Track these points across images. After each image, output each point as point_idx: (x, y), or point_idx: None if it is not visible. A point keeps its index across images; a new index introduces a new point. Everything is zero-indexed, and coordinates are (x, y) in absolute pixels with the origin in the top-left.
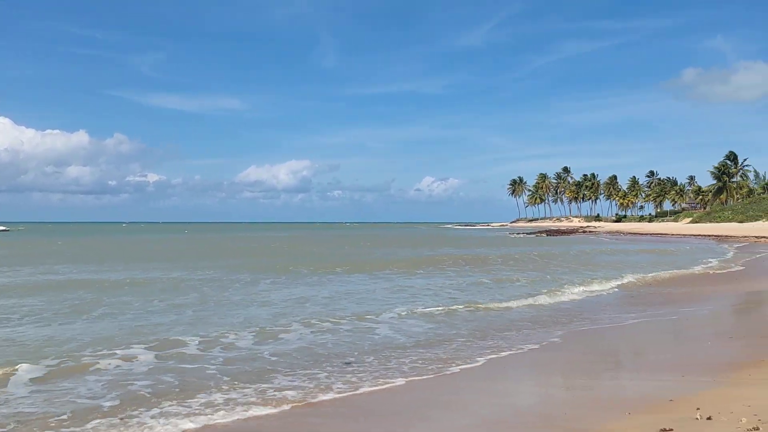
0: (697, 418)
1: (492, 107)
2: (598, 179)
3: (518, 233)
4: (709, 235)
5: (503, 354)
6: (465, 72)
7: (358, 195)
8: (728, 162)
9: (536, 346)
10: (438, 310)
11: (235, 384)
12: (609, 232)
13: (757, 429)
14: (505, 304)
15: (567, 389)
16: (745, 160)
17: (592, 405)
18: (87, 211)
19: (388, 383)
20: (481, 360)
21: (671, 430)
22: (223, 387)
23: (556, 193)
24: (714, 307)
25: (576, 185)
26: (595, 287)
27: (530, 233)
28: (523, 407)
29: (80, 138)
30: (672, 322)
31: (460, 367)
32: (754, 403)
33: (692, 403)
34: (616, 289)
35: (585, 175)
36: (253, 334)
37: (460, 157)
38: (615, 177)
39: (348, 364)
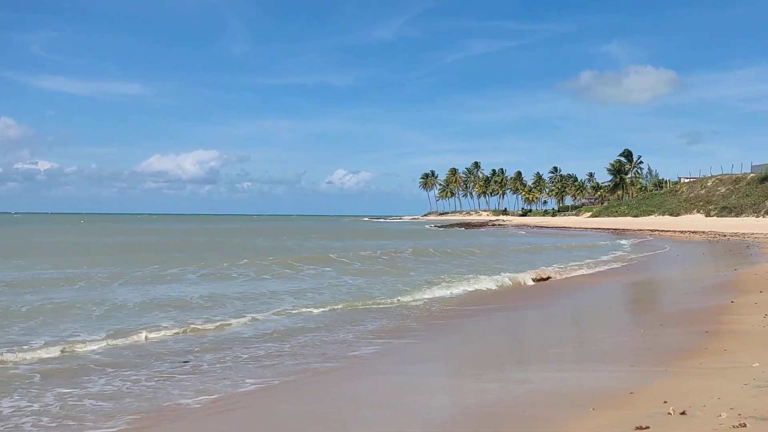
0: (669, 413)
1: (403, 102)
2: (505, 174)
3: (436, 225)
4: (608, 229)
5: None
6: (376, 66)
7: (267, 187)
8: (623, 159)
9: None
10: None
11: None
12: (516, 225)
13: (744, 426)
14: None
15: (504, 383)
16: (639, 158)
17: (547, 401)
18: None
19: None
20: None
21: (647, 428)
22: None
23: (466, 187)
24: (632, 295)
25: (485, 180)
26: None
27: (444, 226)
28: (470, 406)
29: None
30: (593, 309)
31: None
32: (724, 396)
33: (655, 396)
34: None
35: (494, 170)
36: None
37: (372, 151)
38: (520, 173)
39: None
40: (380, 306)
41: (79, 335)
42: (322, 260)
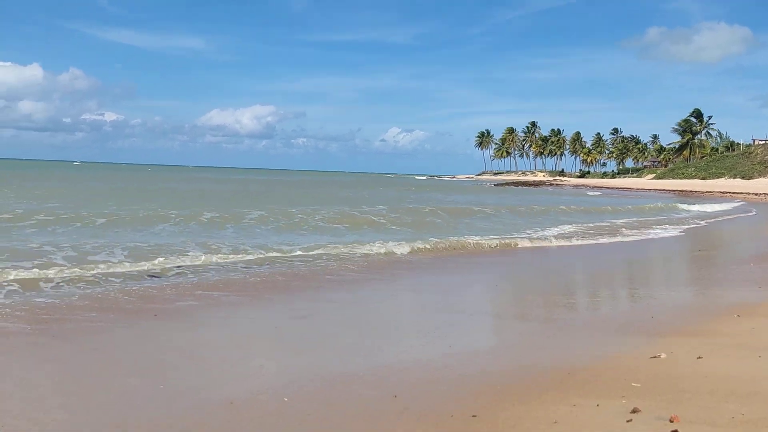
0: None
1: (460, 60)
2: (563, 135)
3: (502, 184)
4: (673, 190)
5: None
6: (435, 23)
7: (322, 144)
8: (692, 119)
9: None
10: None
11: None
12: (575, 186)
13: None
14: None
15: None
16: (710, 118)
17: (692, 309)
18: (41, 149)
19: None
20: None
21: None
22: None
23: (523, 147)
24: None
25: (542, 140)
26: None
27: (501, 184)
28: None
29: (33, 72)
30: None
31: None
32: None
33: None
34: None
35: (552, 130)
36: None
37: (427, 109)
38: (579, 133)
39: None
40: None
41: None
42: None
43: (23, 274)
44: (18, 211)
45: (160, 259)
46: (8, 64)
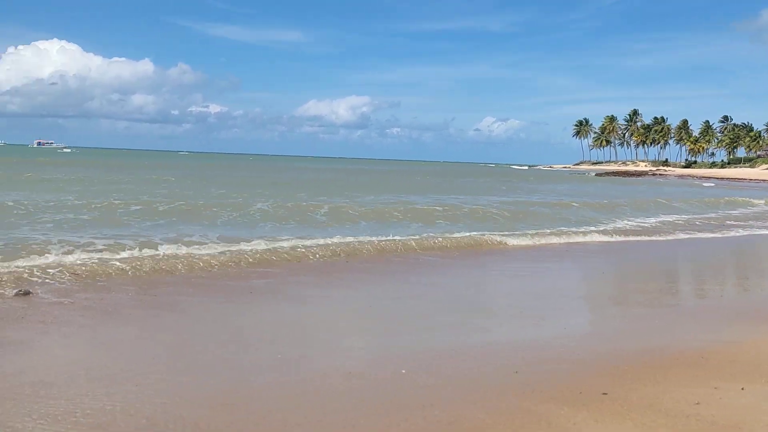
0: None
1: (557, 47)
2: (668, 123)
3: (603, 174)
4: None
5: None
6: (532, 9)
7: (416, 133)
8: None
9: None
10: None
11: None
12: (680, 176)
13: None
14: None
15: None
16: None
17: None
18: (151, 140)
19: None
20: None
21: None
22: None
23: (623, 136)
24: None
25: (644, 129)
26: None
27: (602, 174)
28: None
29: (145, 67)
30: None
31: None
32: None
33: None
34: None
35: (655, 118)
36: None
37: (522, 98)
38: (687, 121)
39: None
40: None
41: None
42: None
43: (137, 254)
44: (144, 198)
45: (257, 241)
46: (122, 59)
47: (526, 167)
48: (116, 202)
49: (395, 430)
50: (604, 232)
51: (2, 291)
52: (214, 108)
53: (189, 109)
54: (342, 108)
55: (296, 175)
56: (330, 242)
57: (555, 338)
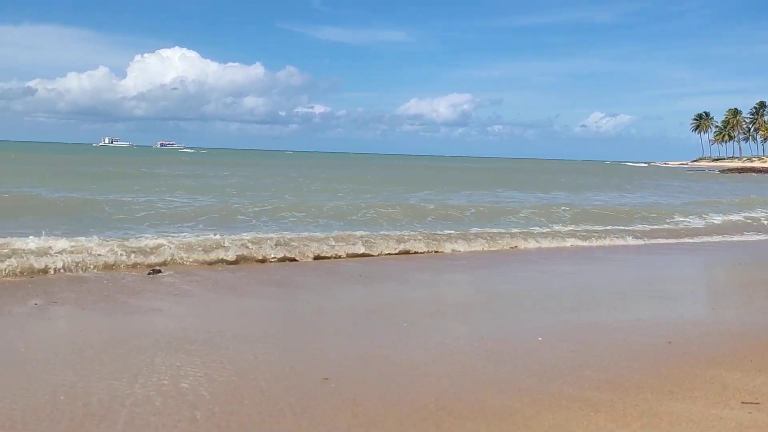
0: None
1: (672, 37)
2: None
3: (726, 171)
4: None
5: None
6: None
7: (519, 130)
8: None
9: None
10: None
11: None
12: None
13: None
14: None
15: None
16: None
17: None
18: (260, 140)
19: None
20: None
21: None
22: None
23: (748, 131)
24: None
25: None
26: None
27: (725, 171)
28: None
29: (256, 70)
30: None
31: None
32: None
33: None
34: None
35: None
36: None
37: (632, 92)
38: None
39: None
40: None
41: None
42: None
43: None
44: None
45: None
46: (236, 64)
47: (645, 164)
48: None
49: (555, 384)
50: None
51: (139, 271)
52: (319, 108)
53: (295, 110)
54: (443, 106)
55: (428, 174)
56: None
57: (706, 316)
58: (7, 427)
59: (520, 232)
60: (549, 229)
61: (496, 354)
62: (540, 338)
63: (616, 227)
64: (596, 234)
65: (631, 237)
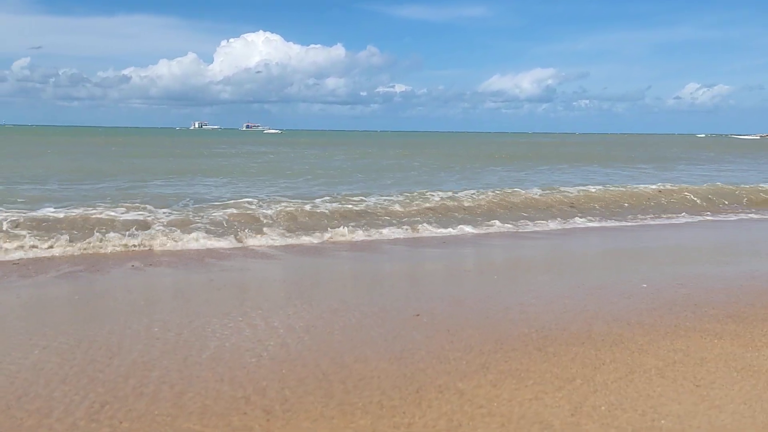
0: None
1: None
2: None
3: None
4: None
5: None
6: None
7: (607, 104)
8: None
9: None
10: None
11: None
12: None
13: None
14: None
15: None
16: None
17: None
18: (342, 120)
19: None
20: None
21: None
22: None
23: None
24: None
25: None
26: None
27: None
28: None
29: (338, 52)
30: None
31: None
32: None
33: None
34: None
35: None
36: None
37: (732, 61)
38: None
39: None
40: None
41: None
42: None
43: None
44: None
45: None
46: (318, 46)
47: (757, 137)
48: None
49: (670, 318)
50: None
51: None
52: (400, 87)
53: (376, 90)
54: (526, 81)
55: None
56: None
57: None
58: (103, 349)
59: None
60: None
61: (598, 296)
62: (645, 285)
63: None
64: None
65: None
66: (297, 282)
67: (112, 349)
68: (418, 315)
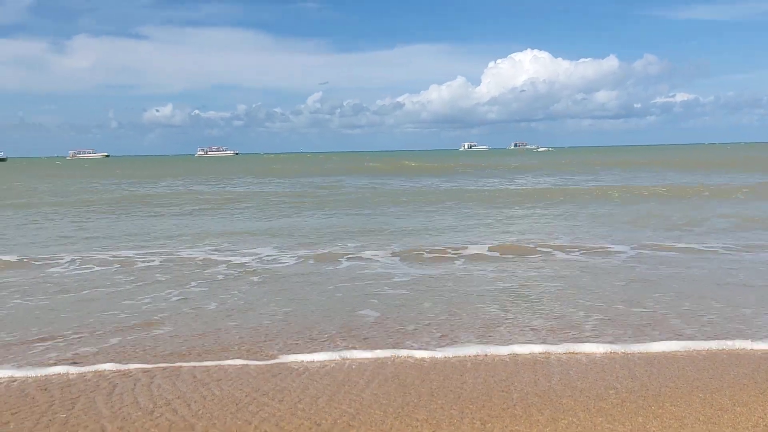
0: None
1: None
2: None
3: None
4: None
5: None
6: None
7: None
8: None
9: None
10: None
11: None
12: None
13: None
14: None
15: None
16: None
17: None
18: (613, 135)
19: None
20: None
21: None
22: None
23: None
24: None
25: None
26: None
27: None
28: None
29: (610, 63)
30: None
31: None
32: None
33: None
34: None
35: None
36: None
37: None
38: None
39: None
40: None
41: None
42: None
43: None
44: None
45: None
46: (588, 59)
47: None
48: None
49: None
50: None
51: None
52: (681, 96)
53: (653, 101)
54: None
55: None
56: None
57: None
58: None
59: None
60: None
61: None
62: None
63: None
64: None
65: None
66: None
67: None
68: None
